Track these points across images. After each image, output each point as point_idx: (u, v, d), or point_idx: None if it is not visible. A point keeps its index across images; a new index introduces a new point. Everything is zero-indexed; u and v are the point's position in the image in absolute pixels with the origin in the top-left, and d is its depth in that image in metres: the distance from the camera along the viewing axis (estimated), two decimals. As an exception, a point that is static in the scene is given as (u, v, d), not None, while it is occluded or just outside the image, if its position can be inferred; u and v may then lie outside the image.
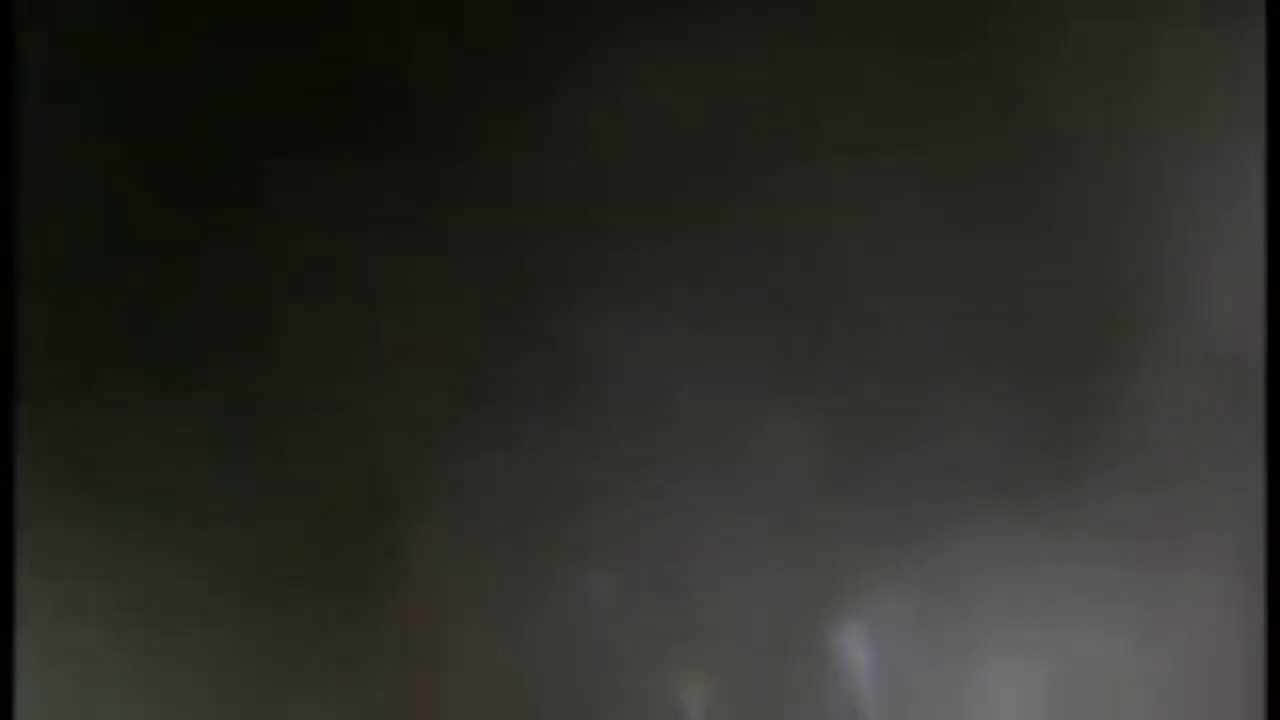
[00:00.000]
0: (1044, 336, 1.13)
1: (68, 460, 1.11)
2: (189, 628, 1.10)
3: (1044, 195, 1.13)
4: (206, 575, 1.11)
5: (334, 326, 1.13)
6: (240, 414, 1.12)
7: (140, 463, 1.11)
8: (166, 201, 1.13)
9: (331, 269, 1.13)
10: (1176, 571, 1.11)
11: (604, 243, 1.13)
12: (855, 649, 1.11)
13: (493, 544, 1.12)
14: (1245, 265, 1.12)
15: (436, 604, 1.11)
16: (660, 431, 1.12)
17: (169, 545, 1.11)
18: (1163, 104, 1.14)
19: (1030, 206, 1.14)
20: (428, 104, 1.14)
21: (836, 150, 1.14)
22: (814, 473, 1.12)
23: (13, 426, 1.06)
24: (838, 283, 1.13)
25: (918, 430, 1.12)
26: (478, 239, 1.14)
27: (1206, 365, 1.12)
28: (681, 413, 1.12)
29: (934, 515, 1.11)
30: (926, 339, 1.13)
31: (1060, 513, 1.11)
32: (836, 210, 1.14)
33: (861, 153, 1.14)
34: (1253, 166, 1.12)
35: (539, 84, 1.14)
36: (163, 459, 1.11)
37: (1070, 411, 1.12)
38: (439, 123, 1.14)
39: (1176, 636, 1.11)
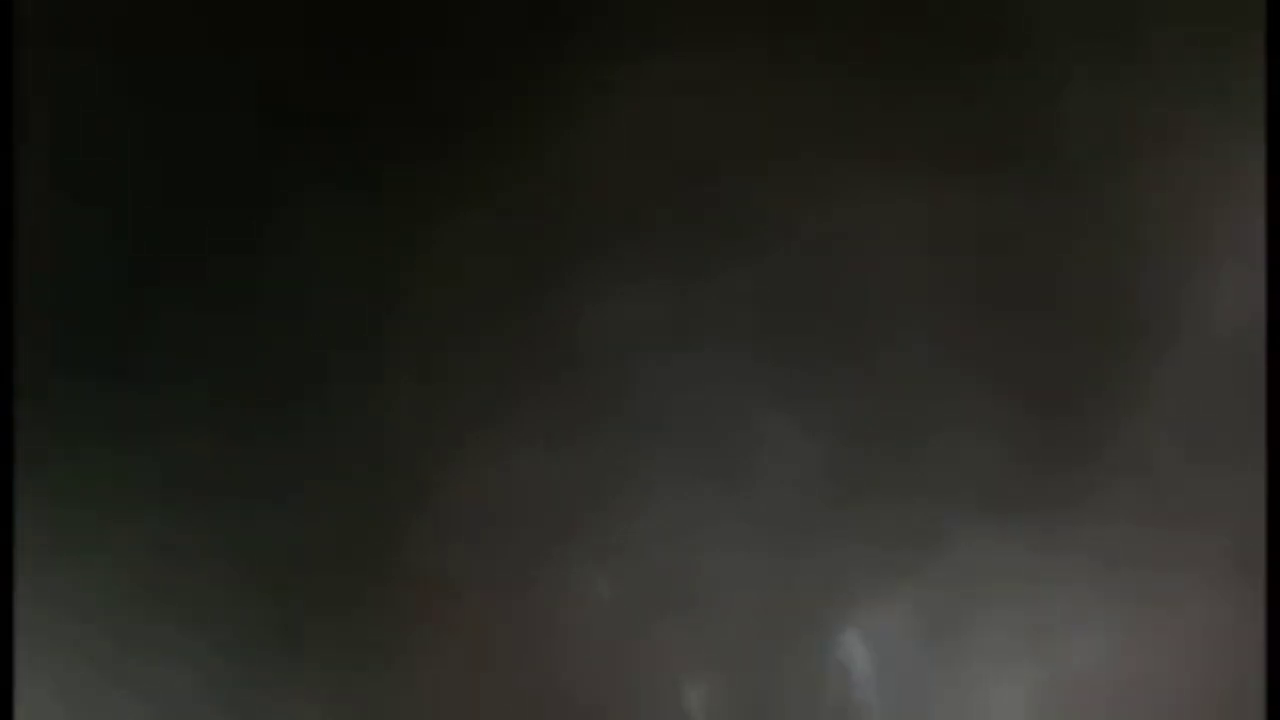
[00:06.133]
0: (1043, 348, 1.13)
1: (67, 459, 1.11)
2: (194, 627, 1.10)
3: (1048, 213, 1.14)
4: (211, 575, 1.11)
5: (344, 326, 1.13)
6: (248, 415, 1.12)
7: (143, 462, 1.12)
8: (169, 201, 1.13)
9: (344, 266, 1.13)
10: (1175, 577, 1.11)
11: (624, 249, 1.14)
12: (854, 654, 1.11)
13: (503, 548, 1.12)
14: (1246, 275, 1.13)
15: (443, 605, 1.11)
16: (668, 439, 1.13)
17: (174, 545, 1.11)
18: (1163, 113, 1.14)
19: (1033, 224, 1.14)
20: (443, 103, 1.15)
21: (845, 157, 1.14)
22: (817, 481, 1.12)
23: (12, 426, 1.06)
24: (842, 293, 1.14)
25: (918, 439, 1.12)
26: (504, 239, 1.14)
27: (1205, 377, 1.13)
28: (690, 421, 1.13)
29: (934, 521, 1.12)
30: (927, 350, 1.13)
31: (1058, 519, 1.12)
32: (842, 220, 1.14)
33: (870, 161, 1.14)
34: (1253, 171, 1.12)
35: (558, 88, 1.15)
36: (166, 459, 1.11)
37: (1069, 423, 1.12)
38: (462, 119, 1.14)
39: (1175, 643, 1.11)
